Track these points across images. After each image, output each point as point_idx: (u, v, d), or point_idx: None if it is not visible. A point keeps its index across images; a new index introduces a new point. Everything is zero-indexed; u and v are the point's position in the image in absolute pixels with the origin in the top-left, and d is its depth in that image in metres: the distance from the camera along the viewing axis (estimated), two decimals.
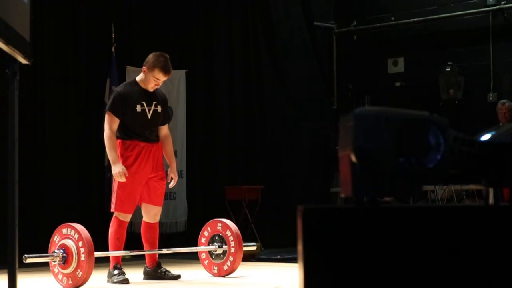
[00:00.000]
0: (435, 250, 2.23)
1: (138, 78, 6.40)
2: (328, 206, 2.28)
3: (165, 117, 6.53)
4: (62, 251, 5.88)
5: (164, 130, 6.51)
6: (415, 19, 11.37)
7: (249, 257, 8.31)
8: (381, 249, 2.21)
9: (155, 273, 6.47)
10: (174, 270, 6.59)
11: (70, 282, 5.88)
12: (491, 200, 2.59)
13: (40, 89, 8.92)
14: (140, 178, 6.31)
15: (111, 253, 6.25)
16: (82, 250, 5.81)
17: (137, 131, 6.29)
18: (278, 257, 8.76)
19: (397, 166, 2.24)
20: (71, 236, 5.90)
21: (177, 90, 9.96)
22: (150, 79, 6.29)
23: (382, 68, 11.74)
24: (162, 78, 6.28)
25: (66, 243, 5.90)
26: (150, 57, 6.35)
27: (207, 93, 10.44)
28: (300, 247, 2.20)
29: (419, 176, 2.28)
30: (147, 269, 6.52)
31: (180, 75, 9.97)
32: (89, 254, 5.79)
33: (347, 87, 12.11)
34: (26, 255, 5.77)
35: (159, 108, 6.39)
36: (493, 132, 2.41)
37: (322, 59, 11.72)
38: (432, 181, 2.37)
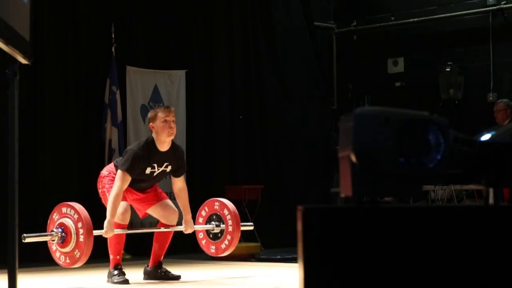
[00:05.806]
0: (435, 250, 2.23)
1: (155, 137, 6.20)
2: (328, 206, 2.28)
3: (180, 169, 6.40)
4: (61, 230, 5.85)
5: (179, 183, 6.43)
6: (415, 19, 11.37)
7: (249, 257, 8.30)
8: (381, 249, 2.21)
9: (155, 273, 6.46)
10: (174, 270, 6.59)
11: (68, 261, 5.87)
12: (491, 200, 2.59)
13: (40, 89, 8.91)
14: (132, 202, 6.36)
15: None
16: (81, 231, 5.78)
17: (136, 184, 6.25)
18: (278, 257, 8.75)
19: (397, 166, 2.24)
20: (70, 215, 5.86)
21: (177, 90, 9.96)
22: (160, 126, 6.14)
23: (382, 68, 11.74)
24: (169, 116, 6.15)
25: (65, 222, 5.85)
26: (150, 112, 6.38)
27: (207, 93, 10.44)
28: (300, 247, 2.20)
29: (419, 176, 2.28)
30: (147, 269, 6.52)
31: (180, 75, 9.97)
32: (88, 235, 5.75)
33: (347, 87, 12.10)
34: (25, 235, 5.74)
35: (168, 168, 6.31)
36: (493, 132, 2.41)
37: (322, 59, 11.71)
38: (432, 181, 2.37)
